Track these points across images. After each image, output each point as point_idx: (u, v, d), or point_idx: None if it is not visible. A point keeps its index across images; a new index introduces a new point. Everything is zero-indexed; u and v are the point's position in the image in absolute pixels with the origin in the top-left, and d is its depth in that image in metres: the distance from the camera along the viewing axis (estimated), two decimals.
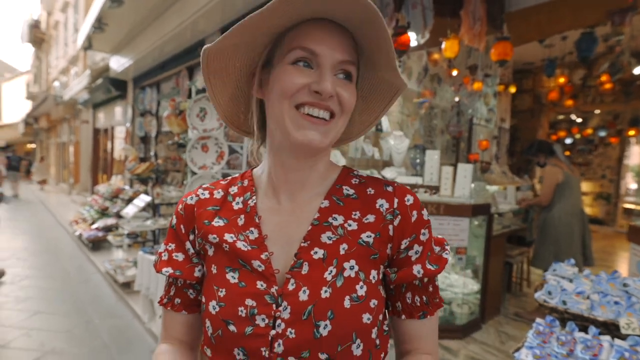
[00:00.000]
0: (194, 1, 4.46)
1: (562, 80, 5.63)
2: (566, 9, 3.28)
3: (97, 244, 5.83)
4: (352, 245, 0.59)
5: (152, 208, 4.88)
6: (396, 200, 0.61)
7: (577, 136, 8.32)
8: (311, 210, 0.62)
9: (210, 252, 0.64)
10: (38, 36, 18.40)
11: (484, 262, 3.30)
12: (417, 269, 0.59)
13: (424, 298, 0.62)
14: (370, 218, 0.60)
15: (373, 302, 0.57)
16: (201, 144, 3.02)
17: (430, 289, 0.63)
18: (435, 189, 3.33)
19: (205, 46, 0.58)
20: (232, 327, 0.56)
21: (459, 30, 3.10)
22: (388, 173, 3.65)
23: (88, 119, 11.32)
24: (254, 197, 0.65)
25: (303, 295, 0.55)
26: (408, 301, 0.62)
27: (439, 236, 0.66)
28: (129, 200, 5.64)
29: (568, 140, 8.23)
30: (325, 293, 0.55)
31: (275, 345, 0.54)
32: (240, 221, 0.63)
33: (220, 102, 0.66)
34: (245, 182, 0.68)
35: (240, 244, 0.61)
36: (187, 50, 5.58)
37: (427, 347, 0.63)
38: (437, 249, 0.63)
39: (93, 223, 6.43)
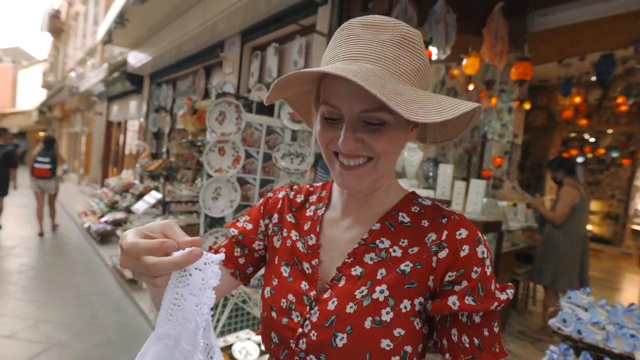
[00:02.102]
0: (216, 3, 4.50)
1: (577, 99, 5.61)
2: (588, 32, 3.29)
3: (105, 238, 5.86)
4: (390, 271, 0.60)
5: (163, 205, 4.93)
6: (445, 232, 0.60)
7: (589, 155, 8.26)
8: (364, 230, 0.65)
9: (277, 243, 0.73)
10: (57, 26, 18.60)
11: None
12: (452, 300, 0.56)
13: (475, 341, 0.56)
14: (415, 249, 0.61)
15: (398, 331, 0.57)
16: (218, 147, 3.03)
17: (486, 332, 0.57)
18: (446, 203, 3.33)
19: (266, 98, 0.62)
20: (274, 314, 0.65)
21: (480, 48, 3.11)
22: (401, 184, 3.66)
23: (102, 111, 11.43)
24: (323, 208, 0.72)
25: (331, 305, 0.60)
26: (454, 339, 0.57)
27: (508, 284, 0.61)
28: (139, 196, 5.69)
29: (580, 159, 8.18)
30: (350, 309, 0.59)
31: (300, 341, 0.61)
32: (306, 226, 0.70)
33: (296, 107, 0.73)
34: (324, 193, 0.75)
35: (299, 245, 0.69)
36: (205, 50, 5.64)
37: None
38: (491, 288, 0.57)
39: (102, 216, 6.47)
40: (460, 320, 0.57)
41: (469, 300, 0.56)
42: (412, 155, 3.90)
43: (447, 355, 0.58)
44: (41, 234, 6.17)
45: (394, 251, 0.62)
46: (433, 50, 3.02)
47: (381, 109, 0.55)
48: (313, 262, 0.66)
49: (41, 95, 21.55)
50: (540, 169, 7.82)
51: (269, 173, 3.49)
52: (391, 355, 0.56)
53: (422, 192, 3.54)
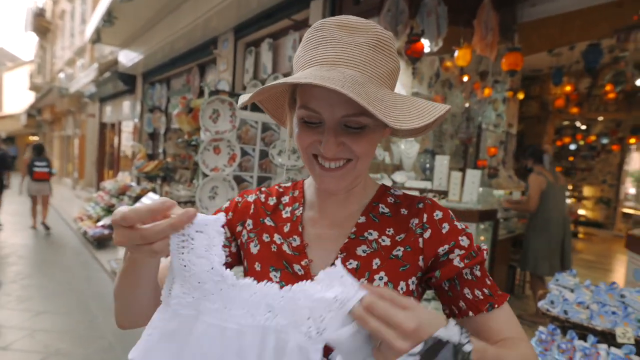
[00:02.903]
0: None
1: (568, 88, 5.72)
2: (576, 22, 3.36)
3: (102, 242, 5.78)
4: (384, 260, 0.65)
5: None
6: (425, 215, 0.67)
7: (581, 142, 8.42)
8: (349, 225, 0.68)
9: (255, 249, 0.71)
10: (43, 25, 18.20)
11: (489, 267, 3.40)
12: (457, 261, 0.63)
13: (485, 291, 0.63)
14: (402, 236, 0.66)
15: None
16: (213, 145, 3.03)
17: (488, 282, 0.64)
18: (443, 194, 3.41)
19: (241, 103, 0.66)
20: None
21: (472, 40, 3.17)
22: (398, 177, 3.74)
23: (95, 112, 11.30)
24: (300, 208, 0.72)
25: None
26: (469, 297, 0.63)
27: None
28: (136, 198, 5.66)
29: (572, 146, 8.35)
30: None
31: None
32: (286, 228, 0.70)
33: (268, 108, 0.74)
34: (296, 193, 0.75)
35: (285, 247, 0.68)
36: (198, 47, 5.61)
37: (512, 334, 0.62)
38: (475, 246, 0.66)
39: (98, 220, 6.39)
40: (467, 278, 0.64)
41: (467, 259, 0.63)
42: (409, 147, 3.98)
43: (471, 313, 0.63)
44: (34, 227, 6.97)
45: (383, 241, 0.66)
46: (425, 42, 3.08)
47: (362, 113, 0.57)
48: (303, 263, 0.66)
49: (29, 97, 21.21)
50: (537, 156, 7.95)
51: (265, 170, 3.53)
52: None
53: (420, 184, 3.62)
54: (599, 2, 2.86)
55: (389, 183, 3.66)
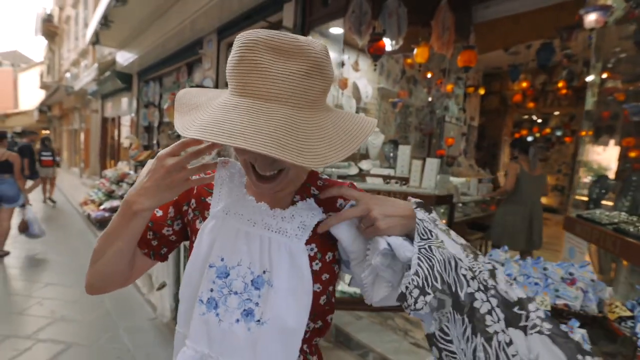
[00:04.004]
0: (193, 1, 4.37)
1: (525, 84, 5.70)
2: (525, 22, 3.31)
3: (104, 224, 5.79)
4: (314, 234, 0.65)
5: None
6: None
7: (537, 135, 8.45)
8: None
9: (200, 225, 0.70)
10: (51, 30, 17.82)
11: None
12: None
13: None
14: (331, 214, 0.67)
15: (325, 276, 0.65)
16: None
17: None
18: (405, 180, 3.38)
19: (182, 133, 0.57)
20: None
21: (430, 38, 3.10)
22: (364, 165, 3.69)
23: (97, 108, 11.12)
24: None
25: None
26: None
27: None
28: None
29: (529, 138, 8.39)
30: None
31: None
32: None
33: None
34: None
35: None
36: (186, 47, 5.50)
37: None
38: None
39: (101, 204, 6.40)
40: None
41: None
42: (374, 138, 3.91)
43: None
44: (44, 201, 8.14)
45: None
46: (387, 41, 3.00)
47: None
48: None
49: (40, 95, 20.75)
50: (495, 148, 7.97)
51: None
52: (320, 295, 0.64)
53: (384, 171, 3.57)
54: (544, 4, 2.81)
55: (355, 170, 3.61)
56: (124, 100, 8.62)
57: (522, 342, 0.50)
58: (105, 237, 0.63)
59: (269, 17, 3.76)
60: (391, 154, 3.92)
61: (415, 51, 3.30)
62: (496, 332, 0.50)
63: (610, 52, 2.56)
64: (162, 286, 2.81)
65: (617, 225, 1.80)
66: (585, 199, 3.08)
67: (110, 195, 6.61)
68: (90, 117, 11.82)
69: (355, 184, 0.72)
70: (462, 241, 0.58)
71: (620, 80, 2.52)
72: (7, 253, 4.42)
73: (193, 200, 0.72)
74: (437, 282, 0.50)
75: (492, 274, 0.54)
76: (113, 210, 5.95)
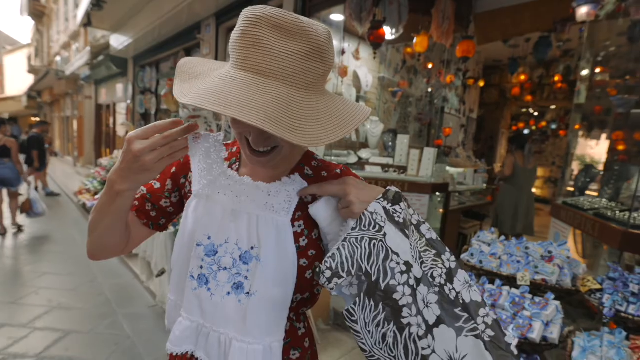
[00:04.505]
0: None
1: (523, 77, 5.82)
2: (526, 14, 3.40)
3: None
4: (303, 211, 0.69)
5: None
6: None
7: (534, 128, 8.62)
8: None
9: None
10: (38, 9, 17.31)
11: (440, 232, 3.55)
12: None
13: None
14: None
15: (311, 252, 0.68)
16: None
17: None
18: (403, 169, 3.51)
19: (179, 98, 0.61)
20: None
21: (430, 27, 3.20)
22: (363, 154, 3.82)
23: (90, 94, 11.01)
24: (237, 163, 0.75)
25: None
26: None
27: None
28: None
29: (526, 131, 8.55)
30: None
31: None
32: None
33: None
34: (234, 149, 0.78)
35: None
36: (184, 32, 5.50)
37: None
38: None
39: (96, 194, 6.41)
40: None
41: None
42: (374, 127, 4.04)
43: None
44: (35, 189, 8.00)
45: (306, 198, 0.70)
46: (387, 29, 3.09)
47: None
48: None
49: (28, 80, 20.39)
50: (492, 140, 8.13)
51: None
52: (307, 269, 0.68)
53: (382, 160, 3.71)
54: None
55: (355, 159, 3.73)
56: (119, 86, 8.59)
57: (450, 341, 0.53)
58: (95, 212, 0.66)
59: (269, 2, 3.82)
60: (390, 143, 4.05)
61: (415, 40, 3.39)
62: (410, 324, 0.52)
63: (600, 46, 2.68)
64: (162, 273, 2.86)
65: (597, 210, 1.96)
66: (574, 189, 3.24)
67: (105, 184, 6.65)
68: (84, 103, 11.73)
69: (351, 169, 0.76)
70: (433, 236, 0.60)
71: (609, 74, 2.65)
72: (21, 227, 4.79)
73: (190, 174, 0.75)
74: (353, 268, 0.53)
75: (450, 272, 0.57)
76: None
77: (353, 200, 0.59)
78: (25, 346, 2.41)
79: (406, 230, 0.57)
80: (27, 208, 4.75)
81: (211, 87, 0.54)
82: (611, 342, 1.24)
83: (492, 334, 0.54)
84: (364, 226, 0.55)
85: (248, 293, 0.63)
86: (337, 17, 3.66)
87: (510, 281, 1.54)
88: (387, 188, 0.61)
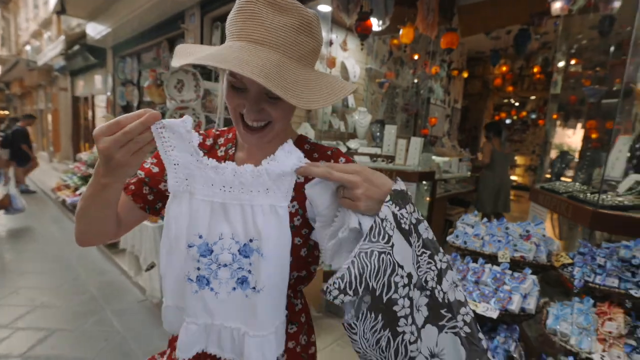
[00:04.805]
0: None
1: (504, 69, 6.03)
2: (505, 7, 3.56)
3: None
4: (298, 192, 0.70)
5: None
6: (332, 160, 0.76)
7: (515, 117, 8.94)
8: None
9: None
10: None
11: (427, 219, 3.70)
12: None
13: None
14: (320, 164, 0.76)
15: (304, 231, 0.72)
16: (179, 113, 3.04)
17: None
18: (391, 158, 3.64)
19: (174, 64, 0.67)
20: None
21: (415, 19, 3.31)
22: (352, 144, 3.93)
23: (66, 86, 10.63)
24: (233, 148, 0.79)
25: None
26: None
27: None
28: None
29: (508, 121, 8.84)
30: None
31: None
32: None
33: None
34: (230, 135, 0.82)
35: None
36: (167, 21, 5.38)
37: None
38: None
39: (77, 189, 6.28)
40: None
41: None
42: (362, 118, 4.15)
43: None
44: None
45: (299, 179, 0.72)
46: (374, 20, 3.18)
47: None
48: None
49: None
50: (476, 130, 8.41)
51: None
52: (301, 247, 0.72)
53: (371, 150, 3.83)
54: None
55: (344, 149, 3.85)
56: (97, 78, 8.36)
57: (432, 337, 0.58)
58: (83, 200, 0.65)
59: None
60: (378, 133, 4.17)
61: (401, 32, 3.50)
62: (404, 332, 0.55)
63: (573, 39, 2.85)
64: (151, 267, 2.86)
65: (570, 193, 2.14)
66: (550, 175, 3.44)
67: (86, 179, 6.52)
68: (58, 95, 11.34)
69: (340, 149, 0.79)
70: (430, 235, 0.60)
71: (582, 65, 2.83)
72: None
73: None
74: (360, 286, 0.52)
75: (440, 273, 0.59)
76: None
77: (360, 196, 0.56)
78: (7, 347, 2.34)
79: (410, 238, 0.57)
80: (6, 204, 4.63)
81: (209, 52, 0.59)
82: (580, 309, 1.40)
83: (469, 330, 0.59)
84: (374, 236, 0.54)
85: (254, 288, 0.62)
86: (325, 7, 3.72)
87: (492, 259, 1.70)
88: (393, 186, 0.58)
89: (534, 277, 1.57)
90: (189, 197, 0.62)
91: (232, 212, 0.61)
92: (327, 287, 0.52)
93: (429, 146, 4.50)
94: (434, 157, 4.24)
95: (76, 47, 8.15)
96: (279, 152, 0.62)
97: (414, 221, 0.59)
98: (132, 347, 2.36)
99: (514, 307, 1.46)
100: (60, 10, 6.46)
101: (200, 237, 0.61)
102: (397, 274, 0.54)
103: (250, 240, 0.61)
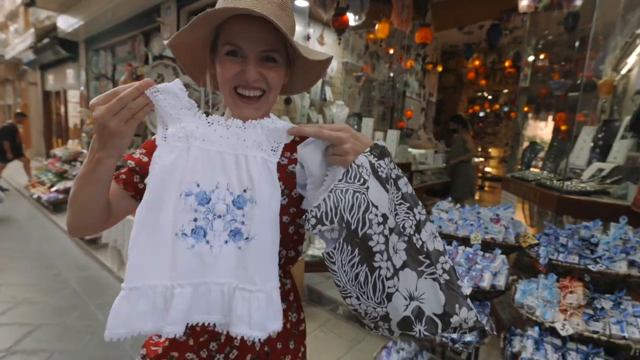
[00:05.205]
0: None
1: (477, 62, 6.18)
2: (478, 3, 3.66)
3: (58, 206, 5.58)
4: (282, 173, 0.74)
5: (116, 169, 4.79)
6: None
7: (488, 110, 9.17)
8: None
9: None
10: None
11: None
12: None
13: None
14: (295, 155, 0.75)
15: (292, 209, 0.75)
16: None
17: None
18: None
19: (166, 42, 0.73)
20: None
21: (390, 15, 3.35)
22: None
23: (36, 80, 10.15)
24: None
25: None
26: None
27: None
28: None
29: (481, 114, 9.05)
30: None
31: None
32: None
33: (185, 63, 0.80)
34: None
35: None
36: (142, 14, 5.22)
37: None
38: None
39: (52, 186, 6.07)
40: None
41: None
42: (339, 111, 4.17)
43: None
44: None
45: (282, 161, 0.76)
46: (350, 16, 3.20)
47: (274, 50, 0.69)
48: None
49: None
50: (468, 124, 8.59)
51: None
52: (289, 225, 0.74)
53: None
54: None
55: None
56: (70, 72, 8.00)
57: (412, 281, 0.61)
58: (76, 182, 0.65)
59: None
60: (355, 127, 4.21)
61: (376, 27, 3.53)
62: (380, 267, 0.58)
63: (541, 35, 2.97)
64: None
65: (538, 180, 2.25)
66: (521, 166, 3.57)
67: (62, 175, 6.30)
68: (28, 90, 10.80)
69: None
70: (409, 190, 0.64)
71: (549, 59, 2.95)
72: None
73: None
74: (336, 217, 0.56)
75: (419, 224, 0.63)
76: (67, 191, 5.73)
77: (349, 150, 0.59)
78: None
79: (387, 185, 0.60)
80: None
81: (218, 8, 0.63)
82: (545, 284, 1.49)
83: (448, 278, 0.62)
84: (350, 178, 0.58)
85: (247, 238, 0.61)
86: (302, 3, 3.71)
87: (465, 241, 1.77)
88: (375, 142, 0.62)
89: (504, 256, 1.65)
90: (187, 148, 0.61)
91: (228, 161, 0.62)
92: (306, 216, 0.57)
93: (405, 138, 4.58)
94: (410, 149, 4.34)
95: (46, 41, 7.77)
96: (267, 120, 0.65)
97: (393, 175, 0.62)
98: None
99: (485, 284, 1.53)
100: (30, 2, 6.14)
101: (198, 185, 0.60)
102: (371, 212, 0.58)
103: (244, 191, 0.62)
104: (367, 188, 0.58)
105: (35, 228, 4.89)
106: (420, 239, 0.62)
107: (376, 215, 0.58)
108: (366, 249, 0.58)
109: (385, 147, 0.63)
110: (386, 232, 0.59)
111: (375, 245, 0.58)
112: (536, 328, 1.35)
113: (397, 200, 0.62)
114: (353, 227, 0.57)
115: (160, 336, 0.80)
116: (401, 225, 0.62)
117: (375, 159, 0.60)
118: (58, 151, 6.95)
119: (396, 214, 0.62)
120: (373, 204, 0.58)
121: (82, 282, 3.25)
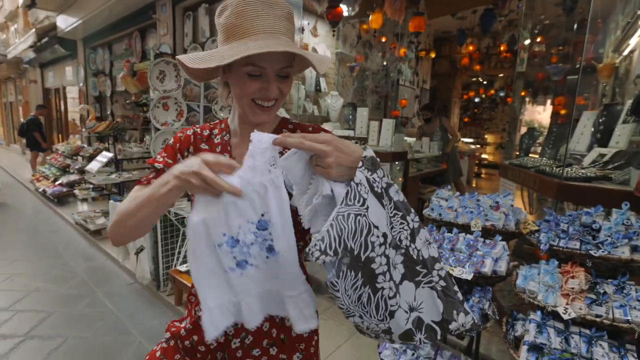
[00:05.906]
0: None
1: (471, 48, 6.02)
2: None
3: (62, 199, 5.60)
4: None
5: (115, 163, 4.74)
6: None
7: (483, 96, 8.97)
8: None
9: None
10: None
11: None
12: None
13: None
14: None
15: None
16: (162, 103, 2.99)
17: None
18: (364, 140, 3.60)
19: (180, 58, 0.74)
20: None
21: (384, 5, 3.23)
22: (326, 127, 3.85)
23: (36, 78, 9.99)
24: (227, 135, 0.86)
25: None
26: None
27: None
28: (90, 158, 5.37)
29: (477, 99, 8.84)
30: None
31: None
32: (219, 149, 0.84)
33: (191, 72, 0.81)
34: (222, 126, 0.89)
35: None
36: (137, 12, 5.10)
37: None
38: None
39: (55, 180, 6.05)
40: None
41: None
42: (334, 101, 4.07)
43: None
44: None
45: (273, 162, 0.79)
46: (344, 7, 3.08)
47: (289, 66, 0.75)
48: None
49: None
50: (445, 109, 8.43)
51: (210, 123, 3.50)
52: (296, 214, 0.74)
53: (344, 132, 3.77)
54: None
55: None
56: (68, 69, 7.87)
57: (410, 292, 0.60)
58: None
59: None
60: (350, 116, 4.11)
61: (370, 17, 3.41)
62: (383, 288, 0.57)
63: (536, 19, 2.84)
64: (140, 250, 2.87)
65: (537, 167, 2.17)
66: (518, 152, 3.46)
67: (65, 170, 6.27)
68: (28, 88, 10.64)
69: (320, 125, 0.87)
70: (400, 198, 0.61)
71: (546, 43, 2.83)
72: None
73: (191, 147, 0.85)
74: (339, 247, 0.54)
75: (413, 233, 0.61)
76: (71, 184, 5.71)
77: (332, 164, 0.58)
78: (10, 327, 2.42)
79: (383, 200, 0.58)
80: None
81: (243, 46, 0.67)
82: (546, 270, 1.43)
83: (444, 284, 0.62)
84: (350, 200, 0.55)
85: (278, 252, 0.64)
86: None
87: (465, 228, 1.71)
88: (364, 153, 0.59)
89: (504, 243, 1.59)
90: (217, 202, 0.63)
91: (243, 205, 0.63)
92: (309, 249, 0.54)
93: (400, 127, 4.48)
94: (405, 138, 4.24)
95: (46, 40, 7.62)
96: (254, 134, 0.64)
97: (384, 185, 0.60)
98: (128, 325, 2.44)
99: (487, 269, 1.48)
100: (31, 3, 6.05)
101: (224, 234, 0.65)
102: (373, 234, 0.57)
103: (262, 215, 0.64)
104: (367, 208, 0.56)
105: (41, 221, 4.89)
106: (416, 248, 0.61)
107: (378, 236, 0.57)
108: (369, 272, 0.57)
109: (374, 157, 0.60)
110: (387, 251, 0.58)
111: (377, 267, 0.57)
112: (538, 312, 1.30)
113: (391, 213, 0.60)
114: (356, 252, 0.56)
115: (181, 321, 0.89)
116: (397, 239, 0.60)
117: (369, 172, 0.58)
118: (60, 146, 6.89)
119: (392, 227, 0.60)
120: (374, 225, 0.57)
121: (89, 271, 3.29)
